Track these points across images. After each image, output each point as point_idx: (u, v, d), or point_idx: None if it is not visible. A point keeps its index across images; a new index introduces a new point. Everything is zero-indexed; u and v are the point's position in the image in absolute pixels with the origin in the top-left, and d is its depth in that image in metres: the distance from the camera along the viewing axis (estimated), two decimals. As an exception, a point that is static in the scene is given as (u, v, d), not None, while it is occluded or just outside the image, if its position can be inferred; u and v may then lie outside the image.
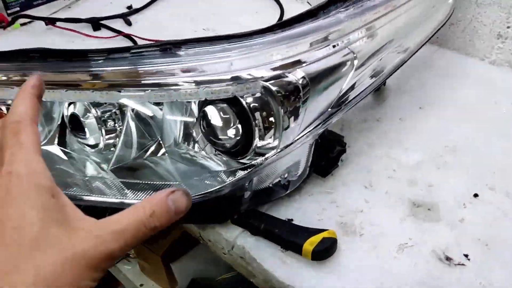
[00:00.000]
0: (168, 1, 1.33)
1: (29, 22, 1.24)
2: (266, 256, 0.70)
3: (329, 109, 0.72)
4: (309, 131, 0.70)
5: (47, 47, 0.70)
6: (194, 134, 0.78)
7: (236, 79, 0.64)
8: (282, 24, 0.71)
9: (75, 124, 0.74)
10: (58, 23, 1.19)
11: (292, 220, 0.74)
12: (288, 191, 0.76)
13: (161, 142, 0.78)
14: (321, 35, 0.71)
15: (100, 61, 0.66)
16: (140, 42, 1.16)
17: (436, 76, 1.03)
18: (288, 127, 0.67)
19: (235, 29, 1.20)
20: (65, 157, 0.78)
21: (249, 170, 0.68)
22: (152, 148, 0.77)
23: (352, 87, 0.75)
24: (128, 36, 1.17)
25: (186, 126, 0.79)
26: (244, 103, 0.66)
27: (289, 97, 0.66)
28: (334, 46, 0.70)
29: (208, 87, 0.63)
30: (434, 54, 1.10)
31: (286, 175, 0.74)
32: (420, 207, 0.76)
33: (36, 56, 0.69)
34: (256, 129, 0.67)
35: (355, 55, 0.72)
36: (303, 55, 0.68)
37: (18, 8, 1.34)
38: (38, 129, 0.40)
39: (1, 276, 0.32)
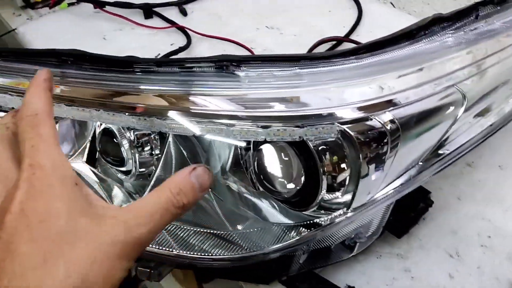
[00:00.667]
0: (230, -10, 1.18)
1: (77, 3, 1.13)
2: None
3: (421, 163, 0.56)
4: (394, 188, 0.55)
5: (83, 51, 0.58)
6: (246, 165, 0.64)
7: (306, 118, 0.49)
8: (370, 47, 0.55)
9: (106, 144, 0.62)
10: (107, 7, 1.08)
11: (353, 287, 0.60)
12: (353, 254, 0.61)
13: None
14: (421, 67, 0.55)
15: (144, 76, 0.54)
16: (194, 36, 1.02)
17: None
18: (365, 180, 0.52)
19: (304, 30, 1.06)
20: (95, 178, 0.67)
21: (309, 230, 0.54)
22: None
23: (455, 135, 0.58)
24: (182, 29, 1.04)
25: (237, 156, 0.65)
26: (311, 146, 0.51)
27: (372, 144, 0.51)
28: (436, 84, 0.53)
29: (269, 127, 0.49)
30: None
31: (353, 236, 0.59)
32: (521, 292, 0.59)
33: (69, 61, 0.57)
34: (324, 178, 0.52)
35: (464, 95, 0.55)
36: (398, 95, 0.52)
37: (68, -14, 1.24)
38: (54, 122, 0.39)
39: (28, 272, 0.31)
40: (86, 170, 0.67)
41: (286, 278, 0.60)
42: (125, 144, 0.59)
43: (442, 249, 0.64)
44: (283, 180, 0.55)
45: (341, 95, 0.52)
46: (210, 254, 0.55)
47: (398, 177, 0.55)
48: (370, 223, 0.59)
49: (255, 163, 0.57)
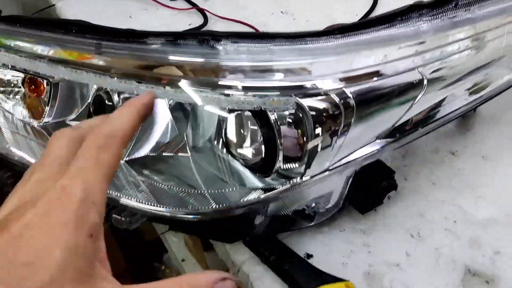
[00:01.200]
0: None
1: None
2: (269, 293, 0.60)
3: (379, 140, 0.58)
4: (348, 161, 0.58)
5: (87, 21, 0.66)
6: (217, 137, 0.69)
7: (267, 90, 0.54)
8: (343, 29, 0.58)
9: (100, 107, 0.69)
10: (137, -11, 1.15)
11: (311, 256, 0.63)
12: (313, 223, 0.64)
13: (186, 138, 0.70)
14: (388, 48, 0.58)
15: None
16: (212, 18, 1.08)
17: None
18: (320, 153, 0.56)
19: (317, 16, 1.08)
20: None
21: (267, 193, 0.58)
22: (173, 144, 0.70)
23: (416, 115, 0.60)
24: (201, 11, 1.10)
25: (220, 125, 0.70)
26: (271, 117, 0.55)
27: (326, 119, 0.54)
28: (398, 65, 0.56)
29: (232, 95, 0.53)
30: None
31: (313, 205, 0.62)
32: (475, 277, 0.60)
33: (74, 29, 0.65)
34: (281, 149, 0.56)
35: (424, 78, 0.57)
36: (359, 71, 0.55)
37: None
38: (123, 152, 0.36)
39: None
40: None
41: (249, 240, 0.64)
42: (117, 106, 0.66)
43: (405, 229, 0.65)
44: (247, 148, 0.60)
45: (306, 71, 0.56)
46: (179, 209, 0.61)
47: (354, 151, 0.58)
48: (330, 195, 0.62)
49: (225, 130, 0.62)
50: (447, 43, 0.60)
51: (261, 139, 0.58)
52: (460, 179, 0.71)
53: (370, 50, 0.59)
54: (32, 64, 0.66)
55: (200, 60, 0.58)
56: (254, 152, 0.59)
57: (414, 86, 0.57)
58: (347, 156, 0.58)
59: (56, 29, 0.67)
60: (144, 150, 0.68)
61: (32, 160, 0.71)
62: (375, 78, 0.57)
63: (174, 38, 0.60)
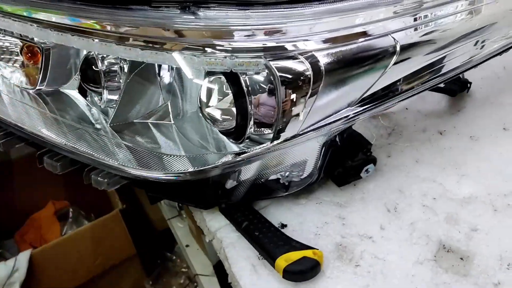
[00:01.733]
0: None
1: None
2: (239, 259, 0.61)
3: (351, 107, 0.58)
4: (318, 127, 0.57)
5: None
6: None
7: (238, 52, 0.54)
8: None
9: (88, 73, 0.71)
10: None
11: (285, 226, 0.63)
12: (288, 192, 0.64)
13: (169, 108, 0.71)
14: (363, 12, 0.57)
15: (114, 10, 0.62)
16: None
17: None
18: (286, 119, 0.56)
19: None
20: (83, 103, 0.76)
21: (238, 158, 0.59)
22: (160, 113, 0.71)
23: (390, 84, 0.59)
24: None
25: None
26: (242, 80, 0.56)
27: (295, 83, 0.54)
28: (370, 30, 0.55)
29: (203, 56, 0.54)
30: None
31: (287, 174, 0.62)
32: (450, 252, 0.59)
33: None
34: (252, 113, 0.56)
35: (396, 43, 0.56)
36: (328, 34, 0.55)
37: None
38: None
39: None
40: (78, 96, 0.77)
41: (226, 208, 0.65)
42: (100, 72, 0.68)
43: (382, 203, 0.65)
44: (218, 112, 0.60)
45: (281, 33, 0.56)
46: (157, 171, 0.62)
47: (325, 118, 0.58)
48: (304, 163, 0.62)
49: (200, 95, 0.63)
50: (441, 2, 0.59)
51: (233, 103, 0.59)
52: (445, 158, 0.70)
53: (346, 14, 0.58)
54: (24, 28, 0.68)
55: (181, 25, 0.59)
56: (226, 116, 0.60)
57: (387, 53, 0.57)
58: (318, 122, 0.58)
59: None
60: (130, 117, 0.70)
61: (27, 123, 0.72)
62: (347, 42, 0.56)
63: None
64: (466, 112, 0.75)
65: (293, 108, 0.55)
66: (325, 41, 0.55)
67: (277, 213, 0.65)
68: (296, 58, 0.54)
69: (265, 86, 0.56)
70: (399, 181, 0.67)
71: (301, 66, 0.54)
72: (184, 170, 0.60)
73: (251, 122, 0.57)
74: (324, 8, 0.59)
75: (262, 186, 0.64)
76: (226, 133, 0.62)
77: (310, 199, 0.66)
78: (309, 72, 0.54)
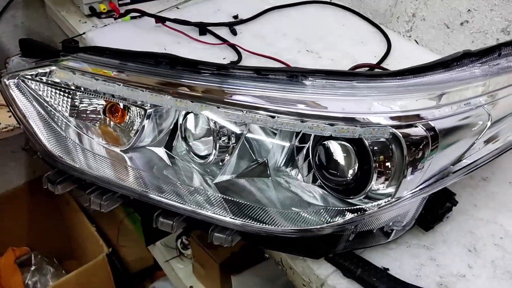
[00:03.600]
0: (275, 17, 1.33)
1: (139, 17, 1.27)
2: (358, 303, 0.67)
3: (451, 166, 0.69)
4: (428, 185, 0.67)
5: (176, 55, 0.71)
6: (297, 162, 0.77)
7: (355, 121, 0.62)
8: (413, 71, 0.68)
9: (187, 134, 0.75)
10: (167, 23, 1.21)
11: (387, 269, 0.71)
12: (388, 240, 0.73)
13: (267, 164, 0.77)
14: (454, 89, 0.68)
15: (228, 80, 0.67)
16: (244, 53, 1.16)
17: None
18: (407, 177, 0.64)
19: (339, 56, 1.20)
20: (169, 163, 0.78)
21: (358, 213, 0.66)
22: (256, 169, 0.76)
23: (476, 149, 0.71)
24: (233, 46, 1.17)
25: (291, 153, 0.78)
26: (367, 144, 0.64)
27: (415, 147, 0.63)
28: (466, 104, 0.67)
29: (336, 125, 0.61)
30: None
31: (391, 223, 0.71)
32: (527, 284, 0.71)
33: (165, 62, 0.70)
34: (375, 172, 0.64)
35: (489, 116, 0.68)
36: (425, 111, 0.65)
37: (129, 0, 1.38)
38: None
39: None
40: (163, 154, 0.79)
41: (333, 255, 0.71)
42: (208, 132, 0.72)
43: (462, 244, 0.75)
44: (341, 170, 0.67)
45: (389, 106, 0.65)
46: (274, 225, 0.67)
47: (431, 177, 0.68)
48: (406, 214, 0.71)
49: (316, 155, 0.69)
50: (501, 87, 0.72)
51: (355, 163, 0.66)
52: (496, 201, 0.83)
53: (435, 91, 0.69)
54: (131, 92, 0.70)
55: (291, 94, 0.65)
56: (350, 176, 0.67)
57: (482, 120, 0.68)
58: (429, 179, 0.67)
59: (146, 59, 0.72)
60: (228, 174, 0.74)
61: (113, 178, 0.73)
62: (448, 112, 0.67)
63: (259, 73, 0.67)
64: (499, 159, 0.89)
65: (412, 168, 0.64)
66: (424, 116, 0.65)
67: (375, 259, 0.73)
68: (415, 126, 0.64)
69: (388, 149, 0.64)
70: (468, 224, 0.78)
71: (420, 133, 0.63)
72: (321, 224, 0.66)
73: (374, 180, 0.65)
74: (417, 81, 0.70)
75: (367, 235, 0.71)
76: (336, 189, 0.69)
77: (399, 243, 0.75)
78: (429, 137, 0.63)
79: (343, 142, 0.67)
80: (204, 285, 1.44)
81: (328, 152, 0.68)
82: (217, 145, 0.72)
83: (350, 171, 0.67)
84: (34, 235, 2.03)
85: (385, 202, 0.65)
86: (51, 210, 2.00)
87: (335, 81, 0.67)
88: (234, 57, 1.14)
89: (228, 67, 0.67)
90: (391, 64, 1.15)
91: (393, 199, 0.65)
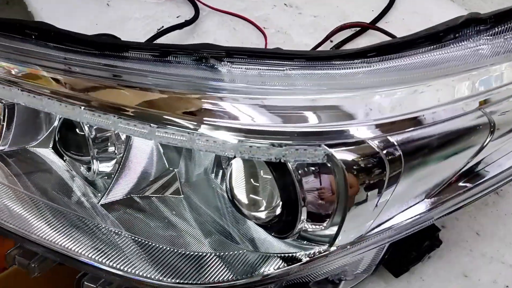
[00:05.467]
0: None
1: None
2: None
3: (427, 199, 0.45)
4: (389, 226, 0.45)
5: (49, 24, 0.50)
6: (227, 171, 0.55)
7: (287, 135, 0.40)
8: (383, 50, 0.45)
9: (67, 135, 0.55)
10: (115, -29, 0.98)
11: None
12: (336, 292, 0.52)
13: (177, 175, 0.56)
14: (444, 80, 0.44)
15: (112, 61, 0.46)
16: (204, 10, 0.93)
17: None
18: (354, 212, 0.42)
19: (325, 11, 0.93)
20: (61, 163, 0.59)
21: (289, 263, 0.45)
22: (164, 182, 0.56)
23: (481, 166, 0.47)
24: (192, 1, 0.93)
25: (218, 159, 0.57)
26: (291, 169, 0.42)
27: (365, 173, 0.41)
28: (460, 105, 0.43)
29: (245, 142, 0.40)
30: None
31: (338, 273, 0.50)
32: None
33: (33, 35, 0.49)
34: (303, 206, 0.43)
35: (492, 122, 0.44)
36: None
37: None
38: None
39: None
40: (53, 157, 0.60)
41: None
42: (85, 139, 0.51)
43: (448, 294, 0.53)
44: (256, 203, 0.46)
45: (337, 110, 0.42)
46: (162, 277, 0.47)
47: (398, 213, 0.45)
48: (360, 261, 0.49)
49: (228, 178, 0.48)
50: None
51: (276, 193, 0.45)
52: (508, 227, 0.59)
53: (414, 82, 0.45)
54: None
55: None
56: (267, 208, 0.46)
57: (478, 131, 0.44)
58: (389, 219, 0.45)
59: (11, 33, 0.51)
60: (129, 192, 0.54)
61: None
62: (424, 122, 0.43)
63: (161, 54, 0.46)
64: None
65: (360, 203, 0.42)
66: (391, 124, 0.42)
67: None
68: (363, 143, 0.41)
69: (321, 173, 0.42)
70: (462, 263, 0.56)
71: (371, 153, 0.41)
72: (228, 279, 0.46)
73: (303, 216, 0.43)
74: (387, 67, 0.46)
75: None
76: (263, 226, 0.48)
77: (358, 291, 0.54)
78: (383, 160, 0.41)
79: (258, 162, 0.45)
80: None
81: (235, 176, 0.46)
82: (96, 155, 0.51)
83: (267, 206, 0.45)
84: None
85: (320, 252, 0.44)
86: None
87: (260, 67, 0.45)
88: (190, 14, 0.91)
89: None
90: (392, 22, 0.89)
91: (333, 248, 0.44)
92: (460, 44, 0.47)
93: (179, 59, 0.46)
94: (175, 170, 0.56)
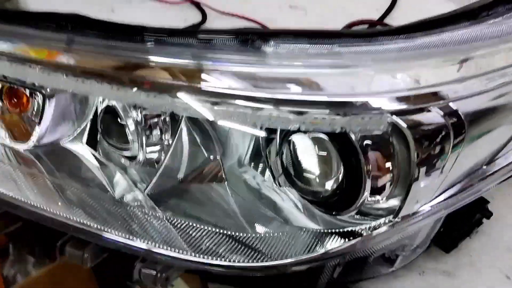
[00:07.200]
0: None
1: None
2: None
3: (483, 167, 0.46)
4: (451, 195, 0.45)
5: (84, 15, 0.50)
6: (268, 158, 0.55)
7: (340, 106, 0.40)
8: (423, 26, 0.46)
9: (109, 125, 0.53)
10: (118, -22, 0.98)
11: (390, 309, 0.51)
12: (393, 269, 0.51)
13: (221, 163, 0.55)
14: (485, 51, 0.45)
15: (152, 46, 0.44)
16: (210, 14, 0.93)
17: None
18: (419, 184, 0.43)
19: (331, 11, 0.96)
20: (95, 163, 0.57)
21: (350, 240, 0.44)
22: (207, 170, 0.55)
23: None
24: (197, 4, 0.94)
25: (258, 145, 0.56)
26: (353, 139, 0.42)
27: (429, 141, 0.41)
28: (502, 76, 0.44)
29: (306, 113, 0.39)
30: None
31: (395, 249, 0.49)
32: None
33: (69, 25, 0.48)
34: (368, 178, 0.42)
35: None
36: (445, 86, 0.42)
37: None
38: None
39: None
40: (86, 153, 0.58)
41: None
42: (131, 126, 0.50)
43: (496, 268, 0.54)
44: (317, 177, 0.46)
45: (390, 81, 0.43)
46: (226, 260, 0.46)
47: (455, 184, 0.46)
48: (417, 233, 0.49)
49: (283, 155, 0.48)
50: None
51: (340, 166, 0.45)
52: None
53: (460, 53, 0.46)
54: (19, 70, 0.48)
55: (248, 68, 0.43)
56: (329, 182, 0.46)
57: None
58: (449, 188, 0.45)
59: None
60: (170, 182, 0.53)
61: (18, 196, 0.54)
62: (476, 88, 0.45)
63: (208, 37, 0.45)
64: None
65: (425, 171, 0.42)
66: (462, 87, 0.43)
67: (375, 291, 0.52)
68: (427, 111, 0.41)
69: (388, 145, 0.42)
70: (506, 238, 0.57)
71: (436, 122, 0.41)
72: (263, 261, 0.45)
73: (367, 188, 0.43)
74: (430, 40, 0.47)
75: (362, 265, 0.50)
76: (317, 202, 0.48)
77: (410, 269, 0.54)
78: (449, 130, 0.41)
79: (319, 136, 0.45)
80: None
81: (296, 152, 0.46)
82: (143, 141, 0.50)
83: (331, 179, 0.45)
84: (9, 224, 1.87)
85: (384, 223, 0.44)
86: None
87: (308, 45, 0.44)
88: (198, 18, 0.91)
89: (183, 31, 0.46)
90: (398, 19, 0.92)
91: (397, 219, 0.44)
92: (495, 20, 0.50)
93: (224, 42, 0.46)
94: (218, 157, 0.55)
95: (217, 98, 0.41)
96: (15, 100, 0.58)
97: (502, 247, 0.56)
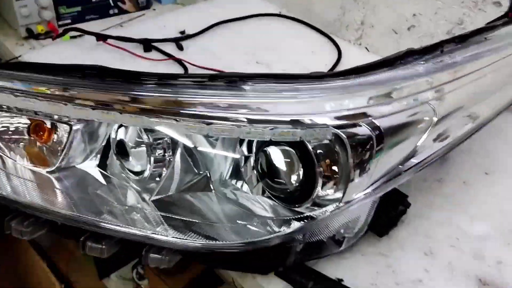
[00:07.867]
0: (223, 30, 1.30)
1: (80, 36, 1.22)
2: (312, 319, 0.62)
3: (399, 166, 0.65)
4: (377, 187, 0.64)
5: (103, 65, 0.67)
6: (244, 173, 0.72)
7: (298, 123, 0.58)
8: (357, 70, 0.66)
9: (121, 149, 0.69)
10: (109, 40, 1.17)
11: (342, 280, 0.67)
12: (341, 248, 0.68)
13: (209, 177, 0.72)
14: (397, 87, 0.66)
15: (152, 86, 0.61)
16: (191, 68, 1.12)
17: (505, 143, 0.95)
18: (354, 180, 0.61)
19: (290, 67, 1.18)
20: (103, 182, 0.73)
21: (306, 221, 0.62)
22: (198, 183, 0.71)
23: (425, 146, 0.68)
24: (179, 61, 1.13)
25: (236, 164, 0.73)
26: (310, 148, 0.60)
27: (361, 148, 0.60)
28: (414, 100, 0.64)
29: (275, 128, 0.57)
30: (505, 121, 1.02)
31: (342, 231, 0.67)
32: (487, 285, 0.67)
33: (92, 74, 0.65)
34: (320, 177, 0.61)
35: (435, 112, 0.66)
36: (371, 109, 0.62)
37: (69, 21, 1.33)
38: None
39: None
40: (96, 173, 0.73)
41: (283, 270, 0.66)
42: (142, 146, 0.66)
43: (418, 248, 0.72)
44: (284, 177, 0.63)
45: (333, 106, 0.62)
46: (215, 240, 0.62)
47: (381, 178, 0.64)
48: (357, 219, 0.67)
49: (259, 163, 0.65)
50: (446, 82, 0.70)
51: (299, 169, 0.62)
52: (450, 202, 0.80)
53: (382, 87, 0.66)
54: (55, 107, 0.64)
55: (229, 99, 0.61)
56: (294, 182, 0.63)
57: (428, 116, 0.66)
58: (376, 181, 0.64)
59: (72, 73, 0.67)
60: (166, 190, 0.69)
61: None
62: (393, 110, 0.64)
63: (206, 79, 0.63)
64: (452, 161, 0.88)
65: (358, 170, 0.61)
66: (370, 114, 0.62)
67: (328, 270, 0.68)
68: (358, 126, 0.60)
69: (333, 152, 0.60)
70: (424, 227, 0.75)
71: (365, 132, 0.60)
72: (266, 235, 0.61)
73: (318, 186, 0.61)
74: (361, 80, 0.67)
75: (319, 245, 0.67)
76: (283, 198, 0.65)
77: (353, 252, 0.71)
78: (373, 137, 0.60)
79: (285, 147, 0.63)
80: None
81: (269, 159, 0.64)
82: (152, 159, 0.67)
83: (294, 177, 0.63)
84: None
85: (333, 207, 0.62)
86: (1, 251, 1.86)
87: (276, 85, 0.63)
88: (181, 72, 1.10)
89: (173, 76, 0.62)
90: (341, 72, 1.13)
91: (341, 204, 0.62)
92: (405, 66, 0.70)
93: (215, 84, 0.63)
94: (207, 172, 0.72)
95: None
96: (41, 133, 0.73)
97: (421, 234, 0.74)
